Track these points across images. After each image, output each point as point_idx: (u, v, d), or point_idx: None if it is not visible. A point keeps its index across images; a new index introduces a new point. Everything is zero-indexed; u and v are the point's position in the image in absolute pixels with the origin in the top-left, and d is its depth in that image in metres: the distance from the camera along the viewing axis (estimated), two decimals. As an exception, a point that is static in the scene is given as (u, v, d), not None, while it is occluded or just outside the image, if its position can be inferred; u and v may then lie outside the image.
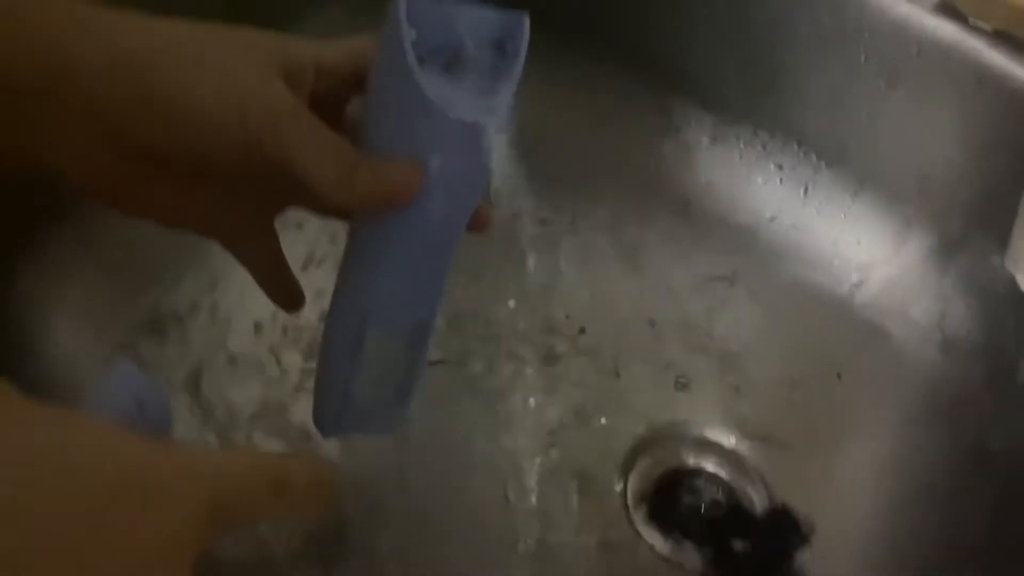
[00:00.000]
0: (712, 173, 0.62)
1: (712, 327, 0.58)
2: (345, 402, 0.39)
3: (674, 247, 0.61)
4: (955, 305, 0.56)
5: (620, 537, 0.50)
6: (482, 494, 0.51)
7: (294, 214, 0.39)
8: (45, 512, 0.22)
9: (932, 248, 0.57)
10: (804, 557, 0.49)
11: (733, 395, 0.55)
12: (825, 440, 0.54)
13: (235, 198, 0.35)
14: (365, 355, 0.37)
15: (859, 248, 0.59)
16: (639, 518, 0.51)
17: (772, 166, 0.61)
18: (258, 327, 0.54)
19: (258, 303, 0.41)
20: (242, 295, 0.55)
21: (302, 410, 0.52)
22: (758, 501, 0.52)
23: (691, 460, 0.54)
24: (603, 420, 0.54)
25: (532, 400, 0.55)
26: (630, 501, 0.52)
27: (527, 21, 0.32)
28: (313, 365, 0.40)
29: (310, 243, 0.57)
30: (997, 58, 0.51)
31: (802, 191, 0.60)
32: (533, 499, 0.51)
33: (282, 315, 0.47)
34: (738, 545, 0.50)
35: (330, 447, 0.50)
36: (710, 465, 0.53)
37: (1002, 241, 0.50)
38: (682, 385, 0.56)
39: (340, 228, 0.37)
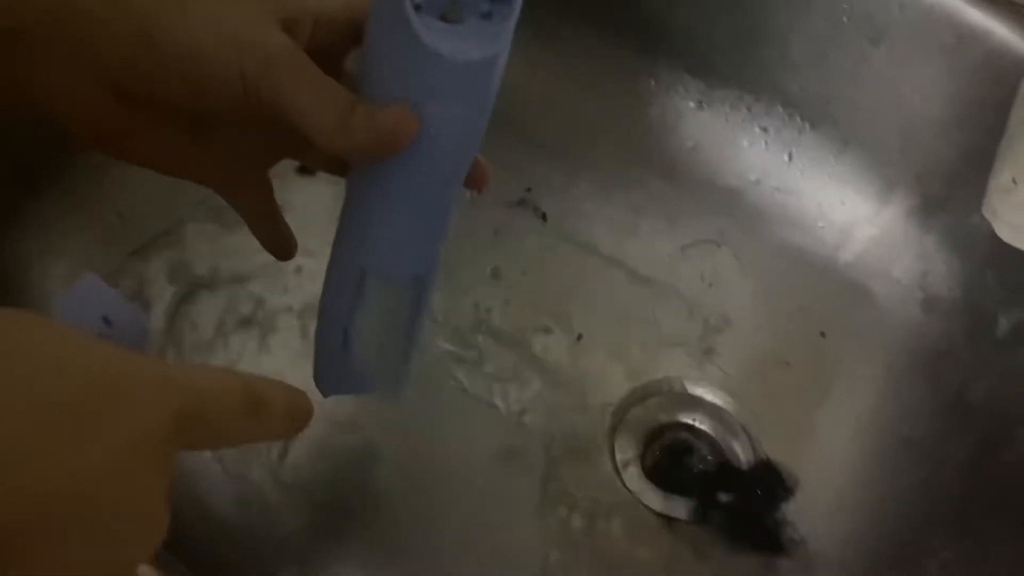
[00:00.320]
0: (699, 137, 0.63)
1: (699, 287, 0.59)
2: (345, 359, 0.39)
3: (661, 210, 0.61)
4: (936, 263, 0.57)
5: (610, 495, 0.51)
6: (476, 453, 0.52)
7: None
8: (10, 410, 0.22)
9: (914, 208, 0.58)
10: (788, 508, 0.51)
11: (720, 354, 0.56)
12: (809, 396, 0.55)
13: (232, 148, 0.35)
14: (365, 307, 0.37)
15: (843, 208, 0.60)
16: (628, 476, 0.52)
17: (757, 129, 0.61)
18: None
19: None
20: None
21: (302, 376, 0.53)
22: (743, 456, 0.53)
23: (678, 417, 0.55)
24: (590, 380, 0.55)
25: (520, 361, 0.55)
26: (618, 459, 0.53)
27: None
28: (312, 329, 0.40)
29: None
30: (976, 15, 0.51)
31: (786, 154, 0.61)
32: (524, 456, 0.52)
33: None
34: (724, 498, 0.51)
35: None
36: (697, 422, 0.54)
37: (982, 199, 0.51)
38: (669, 344, 0.57)
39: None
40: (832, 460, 0.53)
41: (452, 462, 0.52)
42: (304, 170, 0.58)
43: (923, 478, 0.52)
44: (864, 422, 0.54)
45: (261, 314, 0.54)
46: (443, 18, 0.31)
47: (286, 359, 0.53)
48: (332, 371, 0.41)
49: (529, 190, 0.61)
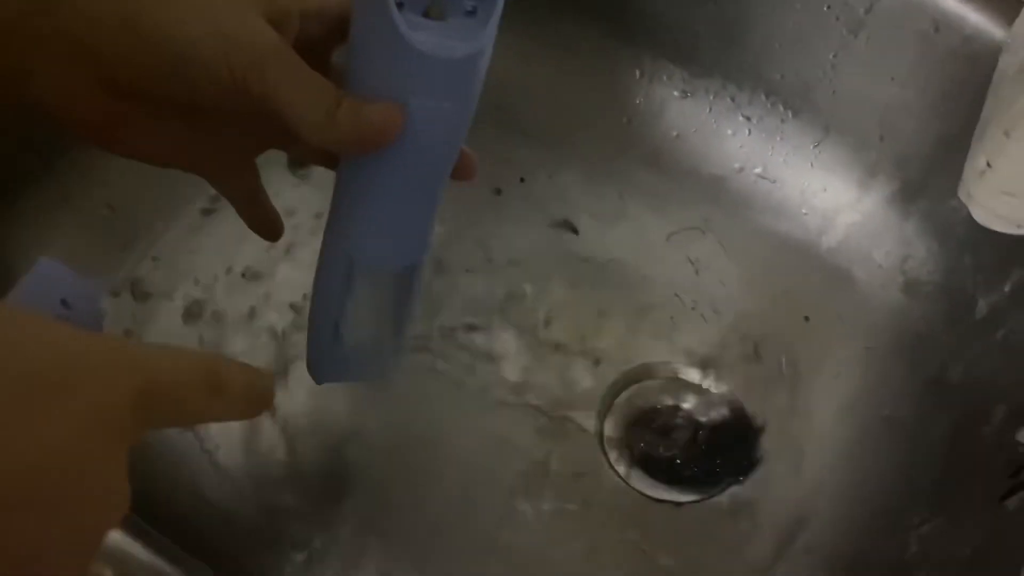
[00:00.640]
0: (683, 126, 0.63)
1: (684, 274, 0.60)
2: (336, 346, 0.40)
3: (647, 199, 0.62)
4: (916, 248, 0.58)
5: (597, 478, 0.52)
6: (468, 435, 0.53)
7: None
8: None
9: (894, 193, 0.59)
10: (765, 470, 0.52)
11: (705, 339, 0.57)
12: (793, 378, 0.56)
13: (221, 138, 0.36)
14: (354, 296, 0.38)
15: (825, 195, 0.61)
16: (615, 459, 0.53)
17: (740, 117, 0.62)
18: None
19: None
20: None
21: (294, 366, 0.54)
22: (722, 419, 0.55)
23: (665, 402, 0.55)
24: (580, 364, 0.56)
25: (510, 345, 0.56)
26: (606, 443, 0.54)
27: None
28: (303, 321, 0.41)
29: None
30: (951, 3, 0.52)
31: (770, 142, 0.62)
32: (512, 439, 0.53)
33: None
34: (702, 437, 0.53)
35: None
36: (684, 404, 0.55)
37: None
38: (656, 329, 0.58)
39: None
40: (816, 440, 0.54)
41: (441, 445, 0.52)
42: (295, 163, 0.59)
43: (904, 456, 0.53)
44: (847, 403, 0.55)
45: (249, 305, 0.55)
46: (426, 15, 0.31)
47: (275, 350, 0.54)
48: (324, 360, 0.42)
49: (519, 179, 0.62)
